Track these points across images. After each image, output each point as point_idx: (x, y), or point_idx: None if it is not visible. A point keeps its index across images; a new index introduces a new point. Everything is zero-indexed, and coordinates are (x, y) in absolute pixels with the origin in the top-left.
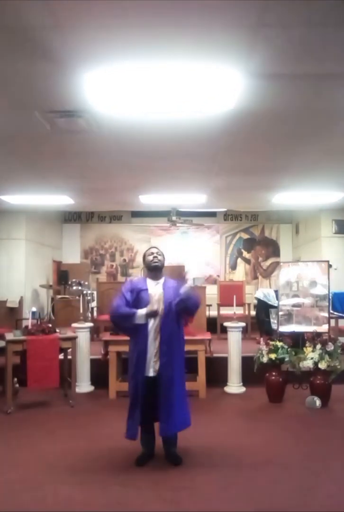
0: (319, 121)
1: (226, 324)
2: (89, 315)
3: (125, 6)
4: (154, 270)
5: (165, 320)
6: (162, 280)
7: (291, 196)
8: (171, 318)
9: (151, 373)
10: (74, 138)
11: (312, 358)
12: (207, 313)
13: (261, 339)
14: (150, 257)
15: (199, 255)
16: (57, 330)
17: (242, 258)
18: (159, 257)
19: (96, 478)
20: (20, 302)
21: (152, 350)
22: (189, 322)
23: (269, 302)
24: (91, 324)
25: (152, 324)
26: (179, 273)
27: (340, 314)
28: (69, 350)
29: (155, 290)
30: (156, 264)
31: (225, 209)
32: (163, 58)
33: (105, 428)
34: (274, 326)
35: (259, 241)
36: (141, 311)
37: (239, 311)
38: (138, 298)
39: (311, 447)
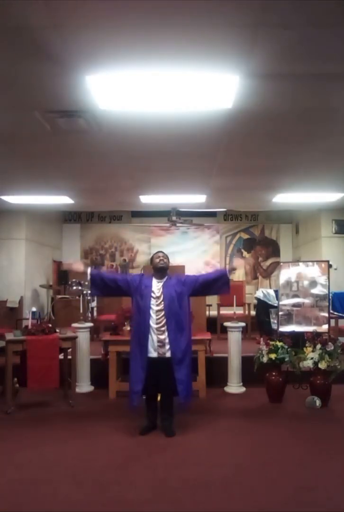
0: (319, 121)
1: (226, 324)
2: (89, 315)
3: (125, 6)
4: (160, 271)
5: (169, 312)
6: (164, 279)
7: (291, 196)
8: (175, 311)
9: (155, 354)
10: (74, 138)
11: (312, 358)
12: (207, 313)
13: (261, 339)
14: (157, 260)
15: (199, 255)
16: (57, 330)
17: (242, 258)
18: (165, 260)
19: (96, 478)
20: (20, 302)
21: (154, 337)
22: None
23: (269, 302)
24: (91, 324)
25: (155, 314)
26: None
27: (340, 314)
28: (69, 350)
29: (157, 287)
30: (162, 265)
31: (225, 209)
32: (162, 58)
33: (105, 428)
34: (274, 326)
35: (259, 241)
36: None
37: (239, 311)
38: (141, 290)
39: (311, 447)
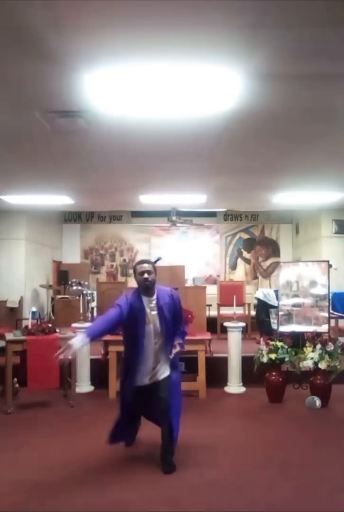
0: (319, 121)
1: (226, 324)
2: (89, 315)
3: (125, 6)
4: (146, 288)
5: (163, 339)
6: (155, 297)
7: (291, 196)
8: (167, 338)
9: (146, 381)
10: (74, 138)
11: (312, 358)
12: (207, 313)
13: (261, 339)
14: (142, 277)
15: (199, 255)
16: (57, 330)
17: (242, 258)
18: (152, 276)
19: (96, 478)
20: (20, 302)
21: (149, 363)
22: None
23: (269, 302)
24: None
25: (149, 339)
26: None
27: (340, 314)
28: None
29: (150, 309)
30: (147, 284)
31: (225, 209)
32: (162, 58)
33: (105, 428)
34: (274, 326)
35: (259, 241)
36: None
37: (239, 311)
38: (134, 316)
39: (311, 447)
